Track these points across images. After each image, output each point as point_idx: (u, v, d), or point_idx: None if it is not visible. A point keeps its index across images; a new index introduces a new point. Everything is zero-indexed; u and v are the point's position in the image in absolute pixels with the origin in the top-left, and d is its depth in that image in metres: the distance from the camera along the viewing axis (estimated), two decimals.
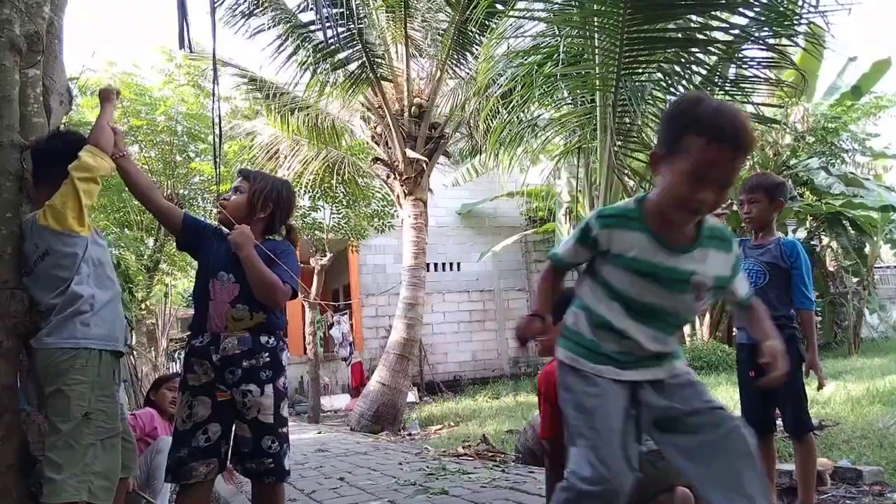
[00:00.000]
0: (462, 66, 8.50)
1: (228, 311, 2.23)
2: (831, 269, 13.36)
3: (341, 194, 10.48)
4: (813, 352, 2.71)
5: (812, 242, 13.00)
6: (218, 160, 3.38)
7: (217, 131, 3.03)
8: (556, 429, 2.34)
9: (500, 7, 6.39)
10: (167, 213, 2.42)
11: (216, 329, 2.23)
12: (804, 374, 2.71)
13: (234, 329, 2.23)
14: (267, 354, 2.26)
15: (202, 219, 2.54)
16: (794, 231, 12.91)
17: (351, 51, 7.77)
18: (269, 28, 7.77)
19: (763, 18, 4.14)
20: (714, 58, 4.58)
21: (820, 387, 2.80)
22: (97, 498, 2.07)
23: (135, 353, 10.51)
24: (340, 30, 7.32)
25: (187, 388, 2.24)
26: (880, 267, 16.98)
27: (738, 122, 1.46)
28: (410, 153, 8.35)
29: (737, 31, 4.32)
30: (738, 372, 2.95)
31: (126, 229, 11.37)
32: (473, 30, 7.75)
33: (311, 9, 7.43)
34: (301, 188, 9.82)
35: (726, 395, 6.84)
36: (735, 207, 3.15)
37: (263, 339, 2.26)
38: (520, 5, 5.42)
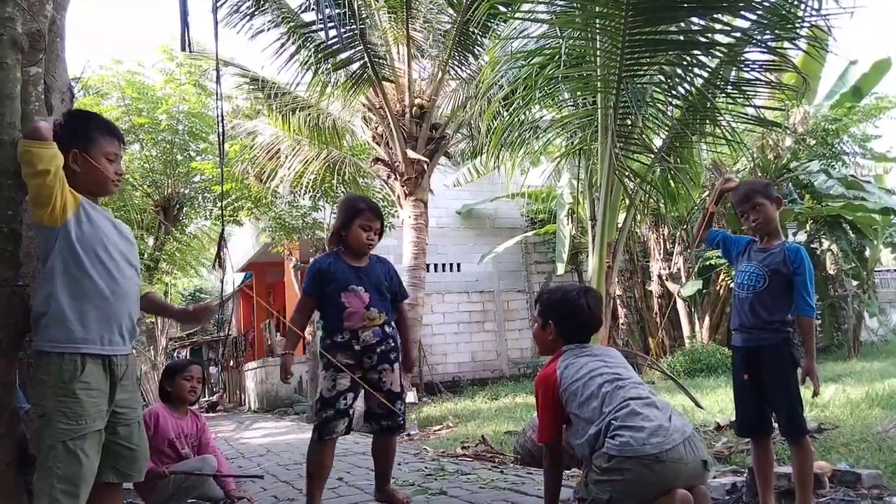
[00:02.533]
0: (464, 67, 8.50)
1: (364, 313, 2.98)
2: (831, 272, 13.36)
3: (342, 194, 10.49)
4: (811, 358, 2.70)
5: (812, 246, 12.99)
6: (221, 160, 3.40)
7: (220, 130, 3.05)
8: (554, 431, 2.35)
9: (501, 8, 6.39)
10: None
11: (355, 327, 2.97)
12: (801, 379, 2.70)
13: (369, 326, 2.98)
14: (392, 341, 3.05)
15: (314, 272, 3.10)
16: (795, 234, 12.90)
17: (352, 51, 7.77)
18: (270, 28, 7.78)
19: (765, 21, 4.14)
20: (716, 60, 4.58)
21: (815, 394, 2.79)
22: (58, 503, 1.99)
23: (134, 351, 10.51)
24: (342, 30, 7.32)
25: (332, 367, 2.96)
26: (880, 270, 16.99)
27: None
28: (411, 154, 8.35)
29: (738, 34, 4.32)
30: (734, 374, 2.95)
31: None
32: (475, 31, 7.75)
33: (314, 9, 7.43)
34: (302, 188, 9.83)
35: (725, 397, 6.84)
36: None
37: (388, 329, 3.05)
38: (522, 7, 5.41)
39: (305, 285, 3.13)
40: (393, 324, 3.10)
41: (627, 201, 5.22)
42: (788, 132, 11.49)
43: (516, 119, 5.43)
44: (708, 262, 12.54)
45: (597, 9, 4.27)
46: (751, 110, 4.95)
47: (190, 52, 3.30)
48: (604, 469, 2.02)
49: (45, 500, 1.98)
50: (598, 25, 4.36)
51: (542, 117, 5.95)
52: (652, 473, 1.96)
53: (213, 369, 23.04)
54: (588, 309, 2.44)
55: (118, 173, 2.33)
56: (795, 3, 3.97)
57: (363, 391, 2.99)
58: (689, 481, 2.02)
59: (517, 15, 5.30)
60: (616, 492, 2.00)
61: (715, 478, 3.42)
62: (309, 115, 8.95)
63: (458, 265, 15.02)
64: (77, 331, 2.10)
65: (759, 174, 11.67)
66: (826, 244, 13.29)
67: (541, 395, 2.35)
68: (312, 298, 3.09)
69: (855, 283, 13.14)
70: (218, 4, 6.61)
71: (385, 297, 3.09)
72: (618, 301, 13.13)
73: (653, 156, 5.04)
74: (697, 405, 5.69)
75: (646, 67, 4.58)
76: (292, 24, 7.73)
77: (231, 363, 20.77)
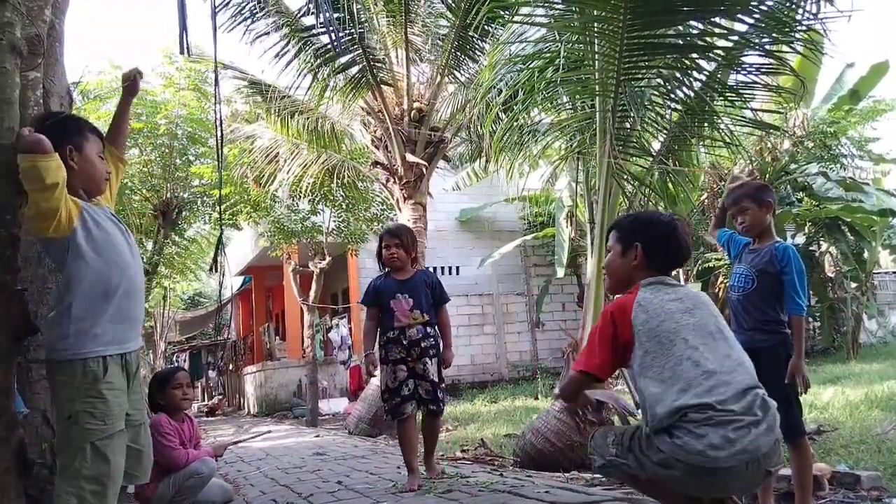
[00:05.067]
0: (462, 71, 8.50)
1: (409, 314, 3.74)
2: (830, 274, 13.35)
3: (341, 198, 10.49)
4: (798, 357, 2.70)
5: (811, 248, 12.99)
6: (220, 164, 3.41)
7: (218, 134, 3.05)
8: (603, 368, 2.08)
9: (500, 12, 6.40)
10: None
11: (402, 325, 3.72)
12: (787, 376, 2.70)
13: (413, 324, 3.73)
14: (432, 339, 3.77)
15: (371, 289, 3.92)
16: (793, 237, 12.91)
17: (352, 55, 7.78)
18: (270, 32, 7.78)
19: (762, 25, 4.15)
20: (713, 64, 4.59)
21: (802, 392, 2.79)
22: (87, 503, 2.02)
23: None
24: (341, 34, 7.33)
25: (389, 361, 3.73)
26: (879, 272, 16.99)
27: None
28: (410, 157, 8.35)
29: (736, 38, 4.33)
30: None
31: None
32: (474, 35, 7.75)
33: (313, 13, 7.44)
34: (301, 192, 9.83)
35: None
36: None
37: (428, 329, 3.78)
38: (521, 11, 5.42)
39: (364, 300, 3.93)
40: (435, 327, 3.83)
41: (626, 204, 5.23)
42: (787, 135, 11.50)
43: (515, 123, 5.44)
44: (707, 265, 12.55)
45: (595, 12, 4.28)
46: (749, 113, 4.97)
47: (189, 55, 3.30)
48: (653, 459, 1.87)
49: (73, 502, 1.99)
50: (596, 29, 4.37)
51: (540, 121, 5.95)
52: (698, 482, 1.83)
53: (212, 373, 23.00)
54: (678, 234, 2.15)
55: (108, 171, 2.37)
56: (793, 6, 3.98)
57: (416, 378, 3.70)
58: (744, 490, 1.98)
59: (516, 19, 5.31)
60: (649, 474, 1.88)
61: None
62: (308, 118, 8.95)
63: (458, 268, 15.02)
64: (99, 335, 2.13)
65: (758, 177, 11.68)
66: (825, 246, 13.29)
67: (608, 324, 2.03)
68: (373, 308, 3.85)
69: (854, 285, 13.14)
70: (217, 9, 6.62)
71: (427, 301, 3.81)
72: None
73: (651, 159, 5.05)
74: None
75: (644, 71, 4.60)
76: (292, 28, 7.73)
77: (230, 367, 20.75)
